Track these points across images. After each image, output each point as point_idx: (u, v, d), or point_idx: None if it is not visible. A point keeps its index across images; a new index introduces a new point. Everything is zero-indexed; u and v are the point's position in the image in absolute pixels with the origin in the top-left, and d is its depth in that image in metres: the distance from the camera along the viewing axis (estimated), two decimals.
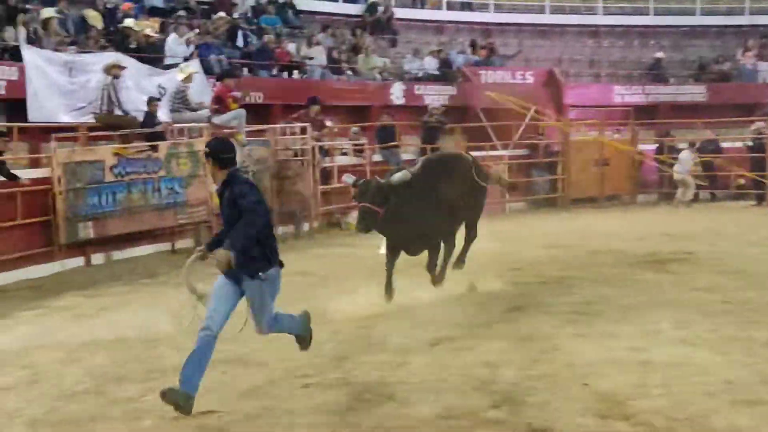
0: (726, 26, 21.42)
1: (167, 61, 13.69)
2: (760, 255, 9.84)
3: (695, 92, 19.29)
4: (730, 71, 19.86)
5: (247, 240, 4.34)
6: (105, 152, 10.88)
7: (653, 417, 4.50)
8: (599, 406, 4.80)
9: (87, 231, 10.50)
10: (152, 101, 12.07)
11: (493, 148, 15.93)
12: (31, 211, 9.88)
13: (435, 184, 7.13)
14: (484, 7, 20.90)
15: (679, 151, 15.92)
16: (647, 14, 21.50)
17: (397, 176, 6.91)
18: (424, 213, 7.01)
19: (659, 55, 20.27)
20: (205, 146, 4.96)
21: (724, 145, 16.62)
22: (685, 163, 15.41)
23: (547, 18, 21.10)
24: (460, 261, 7.68)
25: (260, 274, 4.49)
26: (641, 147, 16.83)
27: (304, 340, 5.14)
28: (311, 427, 4.65)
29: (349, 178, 7.32)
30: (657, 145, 17.00)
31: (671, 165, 15.86)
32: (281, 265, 4.72)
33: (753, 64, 19.69)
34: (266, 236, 4.55)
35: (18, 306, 8.52)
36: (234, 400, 5.13)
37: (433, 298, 7.94)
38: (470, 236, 7.88)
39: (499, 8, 20.97)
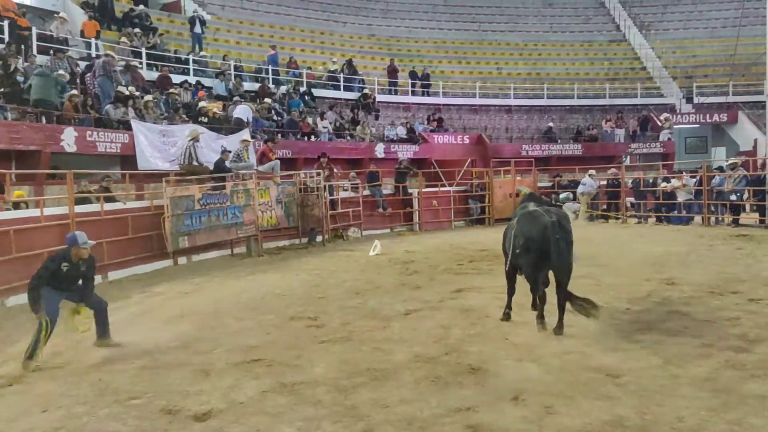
0: (594, 105, 26.13)
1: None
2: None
3: (574, 149, 23.37)
4: (597, 135, 24.01)
5: None
6: (195, 189, 12.27)
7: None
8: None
9: (184, 242, 11.92)
10: (224, 152, 13.65)
11: (443, 185, 18.80)
12: (150, 228, 11.57)
13: None
14: (435, 94, 25.10)
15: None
16: (543, 98, 26.07)
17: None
18: None
19: (550, 124, 24.45)
20: None
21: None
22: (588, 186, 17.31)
23: (477, 101, 25.61)
24: None
25: None
26: (540, 184, 19.67)
27: None
28: (329, 364, 5.45)
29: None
30: (551, 182, 20.01)
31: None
32: None
33: (611, 131, 24.00)
34: None
35: (131, 291, 9.53)
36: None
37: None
38: None
39: (445, 94, 25.27)
